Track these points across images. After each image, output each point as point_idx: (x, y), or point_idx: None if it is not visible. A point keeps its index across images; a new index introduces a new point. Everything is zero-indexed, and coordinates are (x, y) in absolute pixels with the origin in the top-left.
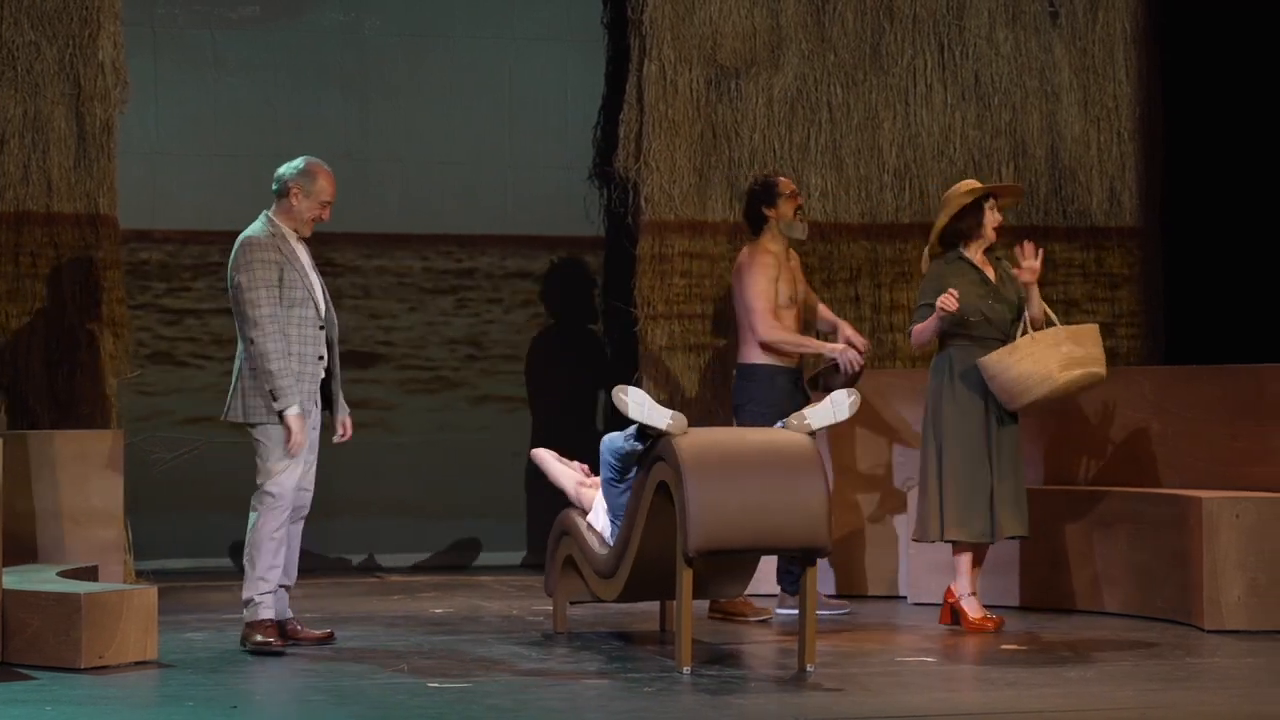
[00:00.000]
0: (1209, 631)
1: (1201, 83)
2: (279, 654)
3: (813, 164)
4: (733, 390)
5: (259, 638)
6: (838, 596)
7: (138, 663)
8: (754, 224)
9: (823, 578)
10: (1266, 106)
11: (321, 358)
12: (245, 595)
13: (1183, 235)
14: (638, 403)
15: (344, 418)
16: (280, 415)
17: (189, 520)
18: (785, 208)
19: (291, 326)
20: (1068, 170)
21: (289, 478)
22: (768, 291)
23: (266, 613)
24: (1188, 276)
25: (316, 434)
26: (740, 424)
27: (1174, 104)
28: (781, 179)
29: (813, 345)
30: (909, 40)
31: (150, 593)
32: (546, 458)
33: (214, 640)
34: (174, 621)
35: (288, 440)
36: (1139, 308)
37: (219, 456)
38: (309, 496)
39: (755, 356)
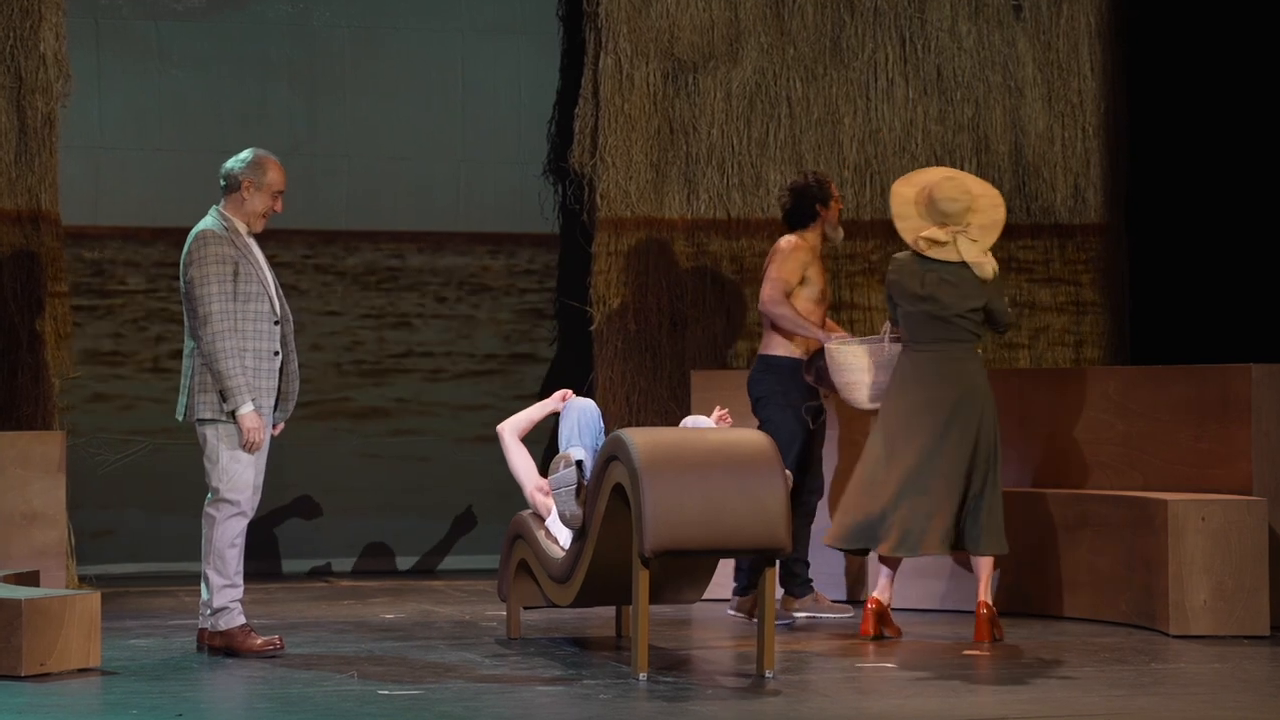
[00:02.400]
0: (1174, 637)
1: (1167, 78)
2: (282, 653)
3: (771, 159)
4: (750, 382)
5: (259, 641)
6: (840, 601)
7: (81, 670)
8: (800, 219)
9: (834, 583)
10: (1232, 102)
11: (276, 354)
12: (217, 604)
13: (1148, 233)
14: (564, 479)
15: (281, 420)
16: (233, 414)
17: (133, 523)
18: (835, 209)
19: (246, 322)
20: (1031, 167)
21: (244, 479)
22: (794, 275)
23: (241, 619)
24: (1153, 275)
25: (269, 433)
26: (761, 419)
27: (1139, 99)
28: (832, 183)
29: (812, 330)
30: (870, 33)
31: (93, 598)
32: (509, 441)
33: (159, 647)
34: (118, 628)
35: (242, 439)
36: (1103, 306)
37: (164, 458)
38: (259, 498)
39: (779, 348)
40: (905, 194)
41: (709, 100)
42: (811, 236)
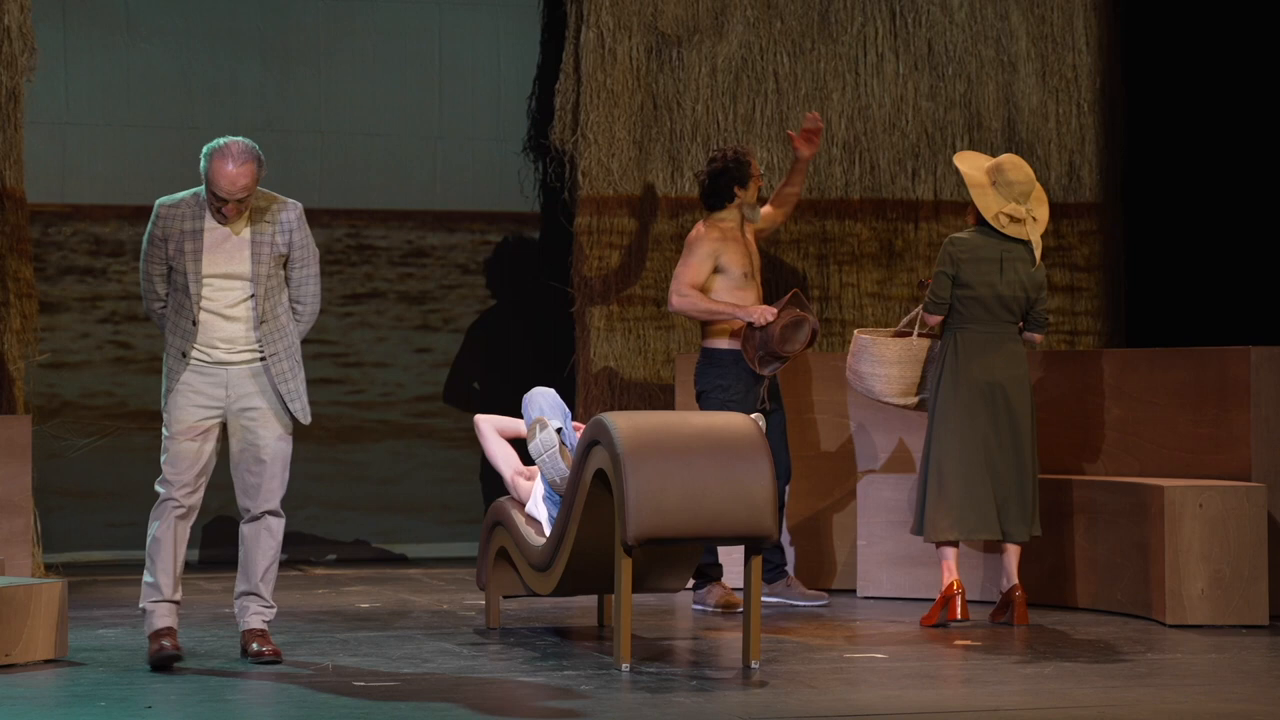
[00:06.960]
0: (1171, 626)
1: (1164, 51)
2: (176, 658)
3: (758, 137)
4: (695, 374)
5: (152, 648)
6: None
7: (47, 661)
8: (716, 200)
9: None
10: (1230, 77)
11: (185, 355)
12: (140, 604)
13: (1145, 211)
14: (544, 442)
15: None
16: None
17: (101, 510)
18: (752, 190)
19: (174, 313)
20: (1025, 144)
21: (176, 466)
22: (699, 271)
23: (161, 621)
24: (1150, 254)
25: (255, 436)
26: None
27: (1136, 73)
28: (753, 160)
29: (725, 309)
30: (859, 7)
31: (60, 587)
32: (486, 431)
33: (127, 637)
34: (85, 617)
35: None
36: (1099, 287)
37: (133, 443)
38: (255, 502)
39: (720, 340)
40: (975, 174)
41: (694, 75)
42: (728, 218)
